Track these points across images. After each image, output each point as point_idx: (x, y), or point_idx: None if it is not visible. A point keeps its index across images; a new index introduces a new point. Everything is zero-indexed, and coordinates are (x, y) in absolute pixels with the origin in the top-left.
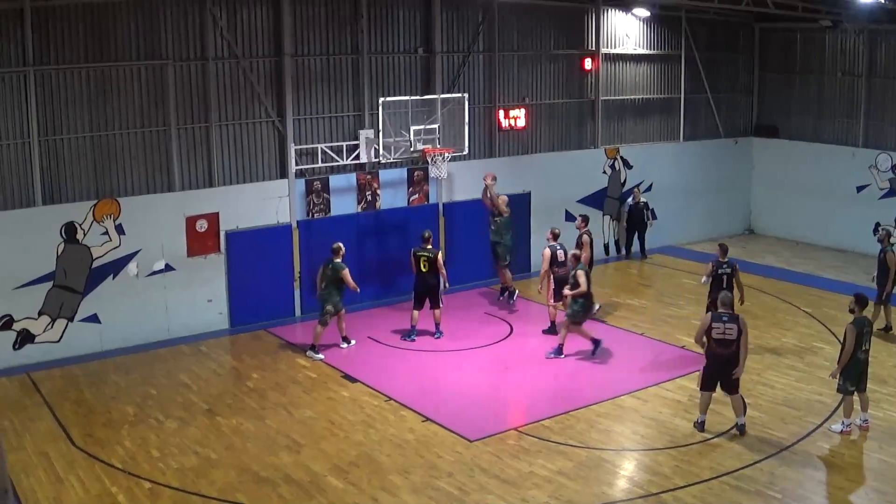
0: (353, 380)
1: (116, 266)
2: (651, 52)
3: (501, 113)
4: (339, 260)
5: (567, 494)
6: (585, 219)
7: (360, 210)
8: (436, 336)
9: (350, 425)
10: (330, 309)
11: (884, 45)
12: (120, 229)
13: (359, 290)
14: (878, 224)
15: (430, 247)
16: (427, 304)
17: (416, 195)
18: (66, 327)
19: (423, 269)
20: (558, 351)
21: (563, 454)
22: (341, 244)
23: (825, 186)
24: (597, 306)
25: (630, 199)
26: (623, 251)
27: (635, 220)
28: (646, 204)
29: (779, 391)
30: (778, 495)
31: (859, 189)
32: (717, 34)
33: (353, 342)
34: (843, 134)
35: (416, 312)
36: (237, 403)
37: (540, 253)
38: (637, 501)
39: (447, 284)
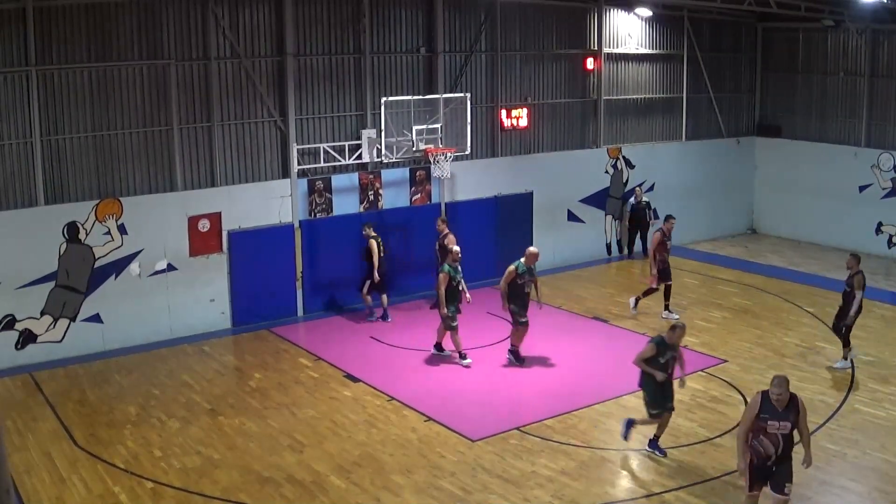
0: (355, 379)
1: (119, 266)
2: (653, 51)
3: (504, 112)
4: (445, 265)
5: (570, 494)
6: (446, 221)
7: (362, 210)
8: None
9: (353, 425)
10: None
11: (886, 44)
12: (122, 229)
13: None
14: (880, 224)
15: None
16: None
17: (419, 195)
18: (68, 327)
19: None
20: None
21: (566, 454)
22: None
23: (828, 186)
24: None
25: (632, 199)
26: (625, 251)
27: (637, 220)
28: (647, 203)
29: None
30: None
31: (862, 189)
32: (719, 34)
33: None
34: (845, 133)
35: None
36: (240, 403)
37: (541, 253)
38: (640, 501)
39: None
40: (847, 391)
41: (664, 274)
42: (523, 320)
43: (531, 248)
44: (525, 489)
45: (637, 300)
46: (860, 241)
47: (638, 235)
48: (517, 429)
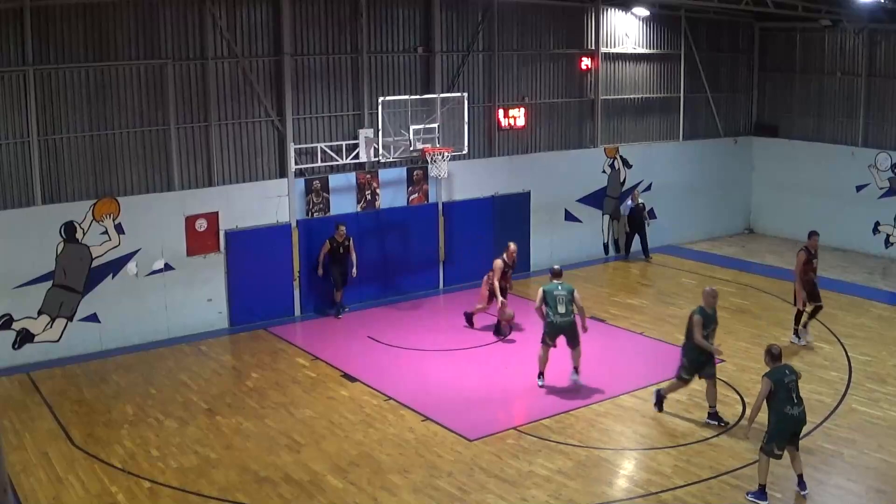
0: (352, 379)
1: (116, 265)
2: (651, 51)
3: (501, 112)
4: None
5: (567, 494)
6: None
7: (359, 209)
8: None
9: (350, 425)
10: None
11: (883, 44)
12: (119, 228)
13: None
14: (877, 223)
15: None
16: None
17: (416, 194)
18: (65, 327)
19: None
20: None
21: (563, 453)
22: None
23: (825, 186)
24: None
25: (629, 201)
26: (623, 252)
27: (635, 222)
28: (643, 205)
29: None
30: (778, 494)
31: (859, 188)
32: (716, 33)
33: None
34: (842, 133)
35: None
36: (237, 403)
37: (539, 252)
38: (637, 501)
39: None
40: (844, 391)
41: (813, 295)
42: (686, 377)
43: (708, 289)
44: (522, 489)
45: (797, 332)
46: (857, 240)
47: (636, 237)
48: (514, 428)
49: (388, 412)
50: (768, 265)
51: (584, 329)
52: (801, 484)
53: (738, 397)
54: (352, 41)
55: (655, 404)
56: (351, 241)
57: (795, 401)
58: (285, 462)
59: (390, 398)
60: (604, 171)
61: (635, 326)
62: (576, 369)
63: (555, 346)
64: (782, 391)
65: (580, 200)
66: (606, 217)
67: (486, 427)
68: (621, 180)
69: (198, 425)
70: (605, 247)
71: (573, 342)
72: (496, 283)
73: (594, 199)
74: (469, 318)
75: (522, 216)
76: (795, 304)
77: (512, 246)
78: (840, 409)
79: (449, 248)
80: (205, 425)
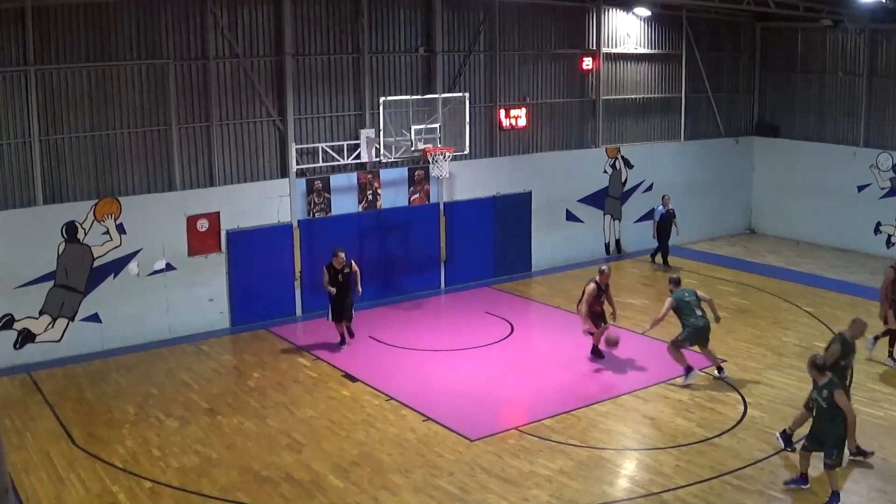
0: (353, 379)
1: (117, 265)
2: (652, 51)
3: (502, 112)
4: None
5: (568, 494)
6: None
7: (361, 209)
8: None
9: (351, 424)
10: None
11: (885, 43)
12: (121, 228)
13: None
14: (878, 223)
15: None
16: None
17: (417, 194)
18: (66, 327)
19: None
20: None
21: (564, 453)
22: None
23: (826, 186)
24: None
25: (660, 207)
26: (655, 260)
27: (664, 228)
28: (673, 211)
29: (780, 390)
30: (780, 495)
31: (860, 188)
32: (718, 33)
33: None
34: (843, 133)
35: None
36: (238, 403)
37: (540, 252)
38: (638, 501)
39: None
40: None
41: None
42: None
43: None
44: (523, 489)
45: (876, 339)
46: (859, 240)
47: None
48: (516, 428)
49: (390, 412)
50: (769, 265)
51: (717, 318)
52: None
53: (739, 397)
54: (353, 41)
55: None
56: (353, 267)
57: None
58: (286, 462)
59: (391, 398)
60: (605, 172)
61: (637, 326)
62: (719, 368)
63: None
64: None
65: (581, 200)
66: (608, 217)
67: (488, 427)
68: (623, 180)
69: (199, 425)
70: (607, 247)
71: (706, 342)
72: (582, 308)
73: (595, 200)
74: (595, 350)
75: (524, 216)
76: (887, 324)
77: (604, 268)
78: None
79: (450, 248)
80: (206, 425)
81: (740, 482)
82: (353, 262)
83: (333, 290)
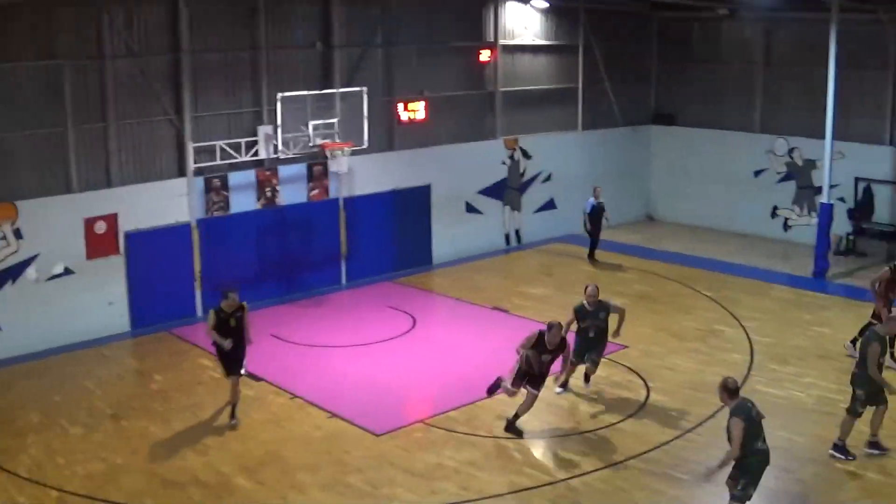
0: (257, 378)
1: (15, 271)
2: (550, 42)
3: (401, 106)
4: None
5: (476, 485)
6: None
7: (260, 207)
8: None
9: (257, 424)
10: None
11: (780, 32)
12: (18, 233)
13: None
14: (775, 207)
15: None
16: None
17: (316, 190)
18: None
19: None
20: None
21: (471, 444)
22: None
23: (723, 172)
24: None
25: (591, 199)
26: (589, 253)
27: (596, 221)
28: (603, 204)
29: (682, 374)
30: (685, 476)
31: (757, 174)
32: (615, 24)
33: None
34: (740, 120)
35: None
36: (142, 407)
37: (440, 245)
38: (546, 488)
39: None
40: (747, 373)
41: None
42: (861, 410)
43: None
44: (432, 481)
45: (854, 342)
46: (756, 225)
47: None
48: (421, 421)
49: (295, 410)
50: (669, 251)
51: (616, 333)
52: None
53: (641, 382)
54: (250, 37)
55: (842, 454)
56: (245, 312)
57: (764, 435)
58: (193, 465)
59: (296, 396)
60: (504, 163)
61: (539, 315)
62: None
63: None
64: (753, 427)
65: (481, 192)
66: (507, 208)
67: (393, 421)
68: (521, 171)
69: (104, 431)
70: (507, 237)
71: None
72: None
73: (495, 191)
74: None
75: (424, 209)
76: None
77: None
78: (743, 391)
79: (351, 243)
80: (111, 431)
81: (646, 465)
82: (245, 307)
83: (228, 343)
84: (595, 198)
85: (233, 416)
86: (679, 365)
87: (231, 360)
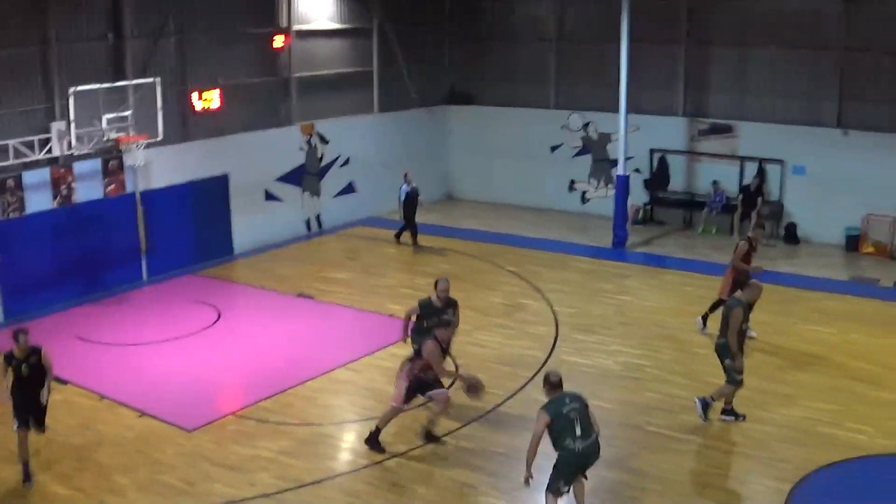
0: (63, 382)
1: None
2: (344, 26)
3: (195, 95)
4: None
5: (293, 473)
6: None
7: (55, 205)
8: None
9: (67, 429)
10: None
11: (572, 9)
12: None
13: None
14: (572, 181)
15: None
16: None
17: (112, 185)
18: None
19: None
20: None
21: (285, 433)
22: None
23: (521, 149)
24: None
25: (404, 185)
26: (412, 240)
27: (411, 206)
28: (417, 189)
29: (490, 350)
30: (500, 449)
31: (553, 149)
32: (410, 6)
33: None
34: (536, 97)
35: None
36: None
37: (241, 235)
38: (363, 472)
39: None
40: (553, 344)
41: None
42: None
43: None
44: (249, 473)
45: (704, 319)
46: (554, 199)
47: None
48: (233, 414)
49: (104, 412)
50: (469, 229)
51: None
52: None
53: (449, 360)
54: (39, 31)
55: (731, 416)
56: (42, 355)
57: (579, 433)
58: (5, 476)
59: (104, 397)
60: (301, 149)
61: (344, 300)
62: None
63: None
64: (561, 424)
65: (279, 179)
66: (307, 194)
67: (205, 416)
68: (319, 156)
69: None
70: (307, 223)
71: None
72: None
73: (293, 177)
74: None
75: (222, 199)
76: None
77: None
78: (550, 362)
79: (150, 237)
80: None
81: (461, 442)
82: (42, 352)
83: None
84: (407, 183)
85: (27, 477)
86: (486, 341)
87: (26, 410)
